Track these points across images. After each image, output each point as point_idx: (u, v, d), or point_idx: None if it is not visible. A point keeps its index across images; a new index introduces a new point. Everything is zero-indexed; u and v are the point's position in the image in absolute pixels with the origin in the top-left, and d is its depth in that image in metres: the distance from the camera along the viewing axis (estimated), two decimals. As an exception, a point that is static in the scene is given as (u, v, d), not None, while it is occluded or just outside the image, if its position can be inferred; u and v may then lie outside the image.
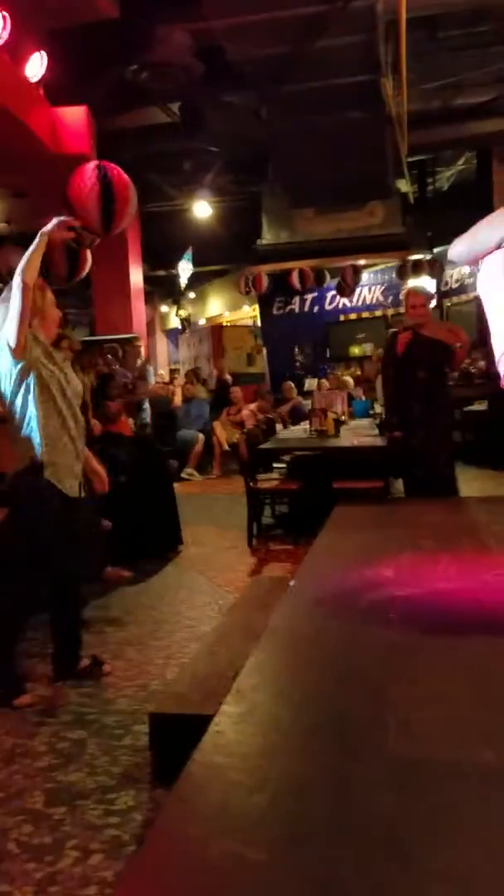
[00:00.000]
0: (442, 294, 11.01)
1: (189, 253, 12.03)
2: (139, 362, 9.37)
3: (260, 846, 1.29)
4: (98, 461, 3.71)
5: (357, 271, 11.13)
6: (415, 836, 1.30)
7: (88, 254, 6.69)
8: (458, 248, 2.91)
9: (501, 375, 2.83)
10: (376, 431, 6.13)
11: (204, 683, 2.08)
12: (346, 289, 11.51)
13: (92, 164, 5.44)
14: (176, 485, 6.45)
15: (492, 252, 2.74)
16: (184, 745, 1.65)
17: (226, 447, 9.51)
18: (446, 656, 2.16)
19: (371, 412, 7.97)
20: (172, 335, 17.40)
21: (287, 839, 1.31)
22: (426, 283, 9.80)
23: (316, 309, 12.98)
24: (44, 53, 6.50)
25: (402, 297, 5.72)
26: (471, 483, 5.90)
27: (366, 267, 11.50)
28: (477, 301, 9.38)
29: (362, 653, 2.23)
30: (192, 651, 3.37)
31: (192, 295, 15.70)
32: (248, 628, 2.58)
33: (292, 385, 11.09)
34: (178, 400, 10.50)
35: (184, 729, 1.78)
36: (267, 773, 1.51)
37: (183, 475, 9.31)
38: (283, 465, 6.32)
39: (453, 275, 10.98)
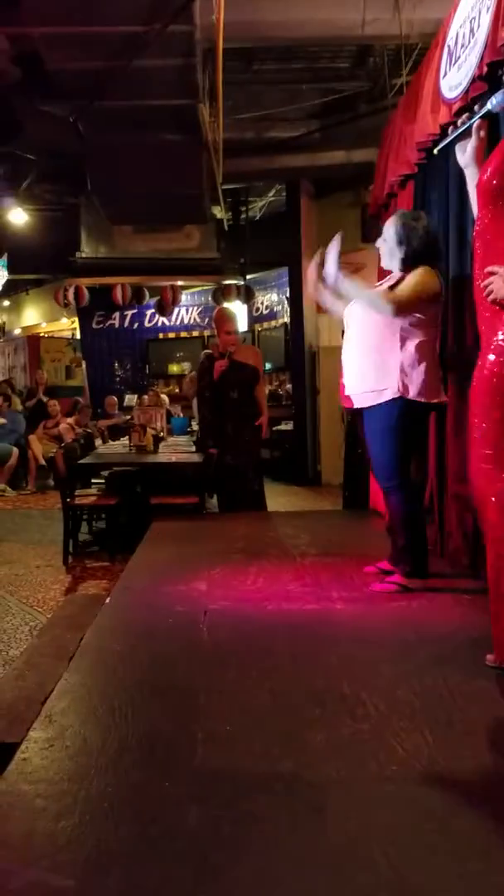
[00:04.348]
0: (253, 319, 11.39)
1: (3, 259, 11.54)
2: None
3: (65, 872, 1.29)
4: None
5: (176, 291, 11.26)
6: (219, 848, 1.36)
7: None
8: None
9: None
10: (193, 448, 6.22)
11: (10, 710, 2.01)
12: (164, 308, 11.61)
13: None
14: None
15: None
16: (-13, 775, 1.60)
17: (42, 462, 9.19)
18: (254, 665, 2.25)
19: (189, 429, 8.08)
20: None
21: (93, 863, 1.31)
22: (238, 308, 10.08)
23: (136, 325, 12.93)
24: None
25: (213, 319, 5.84)
26: (277, 498, 6.15)
27: (184, 288, 11.66)
28: (285, 326, 9.81)
29: (174, 668, 2.27)
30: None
31: (6, 303, 15.08)
32: (60, 649, 2.52)
33: (115, 400, 10.98)
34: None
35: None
36: (74, 798, 1.51)
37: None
38: (101, 481, 6.23)
39: (264, 301, 11.41)
